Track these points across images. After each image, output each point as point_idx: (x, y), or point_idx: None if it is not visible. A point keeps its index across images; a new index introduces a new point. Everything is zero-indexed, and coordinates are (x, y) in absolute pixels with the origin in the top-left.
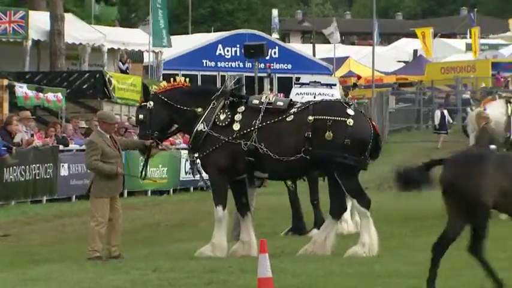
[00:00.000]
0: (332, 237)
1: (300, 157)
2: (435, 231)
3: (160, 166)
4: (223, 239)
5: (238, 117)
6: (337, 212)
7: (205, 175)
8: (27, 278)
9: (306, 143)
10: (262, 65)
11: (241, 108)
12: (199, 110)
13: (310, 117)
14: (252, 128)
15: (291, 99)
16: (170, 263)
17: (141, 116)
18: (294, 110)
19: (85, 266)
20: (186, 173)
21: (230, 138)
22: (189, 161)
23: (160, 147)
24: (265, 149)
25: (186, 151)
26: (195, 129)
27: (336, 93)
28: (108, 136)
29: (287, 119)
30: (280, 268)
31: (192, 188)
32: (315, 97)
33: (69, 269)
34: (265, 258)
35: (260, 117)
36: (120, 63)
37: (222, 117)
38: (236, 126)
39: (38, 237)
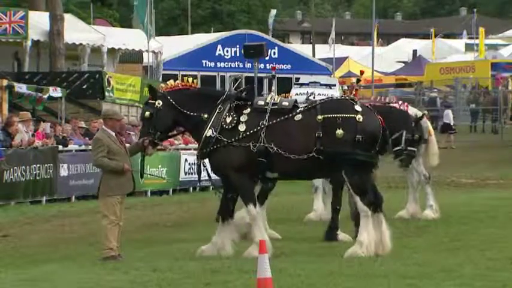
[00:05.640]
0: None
1: (312, 156)
2: (435, 231)
3: (159, 166)
4: (265, 237)
5: (244, 118)
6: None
7: (214, 177)
8: (27, 278)
9: (318, 142)
10: (264, 66)
11: (247, 110)
12: (206, 116)
13: (320, 117)
14: (259, 128)
15: (296, 100)
16: (169, 263)
17: (147, 113)
18: (300, 109)
19: (84, 266)
20: (185, 173)
21: (237, 138)
22: (197, 166)
23: (159, 147)
24: (275, 148)
25: (186, 151)
26: (204, 135)
27: (336, 94)
28: (113, 134)
29: (295, 118)
30: (280, 268)
31: (191, 189)
32: (314, 97)
33: (68, 269)
34: (265, 258)
35: (267, 117)
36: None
37: (228, 120)
38: (242, 127)
39: (37, 237)
